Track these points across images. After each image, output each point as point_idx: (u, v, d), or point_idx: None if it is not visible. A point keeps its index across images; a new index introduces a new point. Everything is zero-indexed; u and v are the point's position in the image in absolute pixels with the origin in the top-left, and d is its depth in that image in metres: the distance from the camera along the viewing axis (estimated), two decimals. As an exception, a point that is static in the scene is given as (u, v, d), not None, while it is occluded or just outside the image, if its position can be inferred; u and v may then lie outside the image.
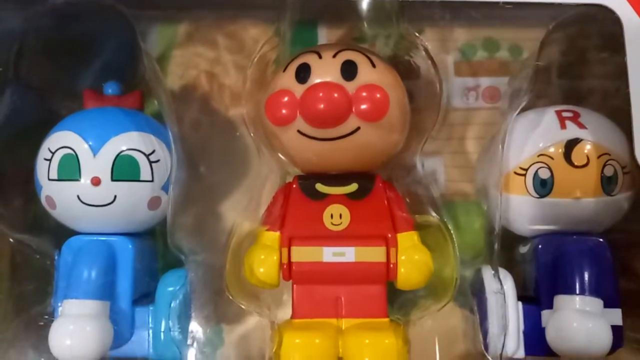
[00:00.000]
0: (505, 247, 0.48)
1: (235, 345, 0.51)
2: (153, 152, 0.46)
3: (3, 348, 0.45)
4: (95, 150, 0.45)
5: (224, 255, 0.48)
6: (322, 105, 0.44)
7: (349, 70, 0.45)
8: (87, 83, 0.51)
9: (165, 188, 0.46)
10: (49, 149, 0.45)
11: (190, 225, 0.50)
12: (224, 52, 0.54)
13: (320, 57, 0.46)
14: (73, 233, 0.47)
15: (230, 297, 0.47)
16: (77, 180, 0.44)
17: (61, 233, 0.47)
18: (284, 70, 0.46)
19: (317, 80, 0.45)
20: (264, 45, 0.50)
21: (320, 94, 0.44)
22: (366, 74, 0.45)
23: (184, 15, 0.54)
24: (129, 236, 0.47)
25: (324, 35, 0.54)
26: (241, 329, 0.51)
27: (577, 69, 0.53)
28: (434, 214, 0.49)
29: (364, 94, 0.44)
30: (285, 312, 0.49)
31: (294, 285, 0.46)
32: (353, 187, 0.46)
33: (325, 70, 0.45)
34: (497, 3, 0.46)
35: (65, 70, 0.52)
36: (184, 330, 0.45)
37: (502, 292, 0.46)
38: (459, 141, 0.53)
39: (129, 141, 0.45)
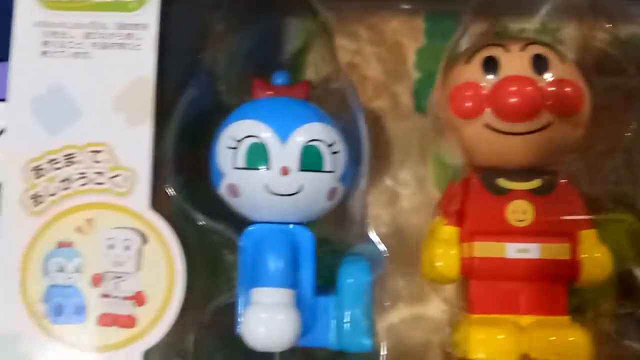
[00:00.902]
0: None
1: (389, 337, 0.49)
2: (334, 143, 0.44)
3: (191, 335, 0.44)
4: (283, 140, 0.43)
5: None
6: (516, 99, 0.42)
7: (539, 64, 0.43)
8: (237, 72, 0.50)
9: (342, 179, 0.45)
10: (233, 137, 0.44)
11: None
12: (365, 44, 0.53)
13: (507, 50, 0.44)
14: (247, 222, 0.45)
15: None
16: (267, 169, 0.43)
17: (237, 222, 0.46)
18: (467, 63, 0.45)
19: (508, 74, 0.43)
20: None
21: (514, 88, 0.43)
22: (557, 68, 0.44)
23: (326, 6, 0.52)
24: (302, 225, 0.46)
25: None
26: (394, 321, 0.50)
27: None
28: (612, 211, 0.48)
29: (557, 88, 0.43)
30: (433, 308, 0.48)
31: (471, 281, 0.45)
32: (536, 182, 0.45)
33: (515, 64, 0.44)
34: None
35: (228, 60, 0.51)
36: (371, 322, 0.44)
37: None
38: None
39: (313, 132, 0.44)
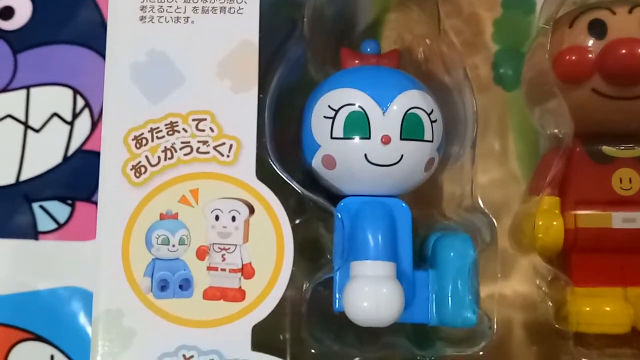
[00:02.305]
0: None
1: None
2: (432, 111, 0.41)
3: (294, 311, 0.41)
4: (384, 108, 0.40)
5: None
6: (627, 62, 0.39)
7: (649, 27, 0.41)
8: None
9: (439, 149, 0.42)
10: (329, 106, 0.41)
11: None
12: (442, 16, 0.50)
13: (613, 13, 0.41)
14: (339, 197, 0.42)
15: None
16: (367, 138, 0.40)
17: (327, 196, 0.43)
18: (570, 27, 0.42)
19: (617, 37, 0.40)
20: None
21: (624, 50, 0.39)
22: (669, 30, 0.41)
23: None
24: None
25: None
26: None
27: None
28: None
29: (671, 50, 0.40)
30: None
31: (575, 253, 0.42)
32: (643, 150, 0.43)
33: (624, 26, 0.40)
34: None
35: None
36: (475, 296, 0.40)
37: None
38: None
39: (413, 99, 0.41)
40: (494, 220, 0.43)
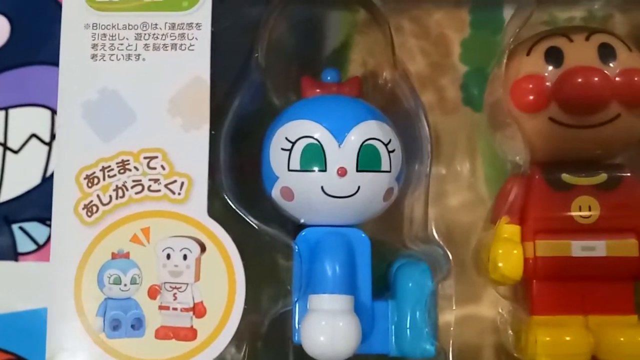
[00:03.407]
0: None
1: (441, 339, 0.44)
2: (390, 141, 0.40)
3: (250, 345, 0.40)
4: (340, 140, 0.39)
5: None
6: (583, 91, 0.38)
7: (606, 54, 0.39)
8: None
9: (398, 178, 0.41)
10: (286, 138, 0.40)
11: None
12: (409, 37, 0.48)
13: (570, 40, 0.40)
14: (299, 227, 0.41)
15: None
16: (324, 171, 0.39)
17: (289, 226, 0.41)
18: (527, 54, 0.40)
19: (574, 65, 0.39)
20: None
21: (581, 79, 0.38)
22: (625, 57, 0.39)
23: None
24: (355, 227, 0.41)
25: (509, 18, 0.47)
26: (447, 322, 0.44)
27: None
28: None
29: (626, 78, 0.38)
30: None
31: (534, 281, 0.40)
32: (602, 177, 0.40)
33: (580, 54, 0.39)
34: None
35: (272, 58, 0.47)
36: (434, 326, 0.40)
37: None
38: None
39: (370, 130, 0.39)
40: (449, 252, 0.42)
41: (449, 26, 0.48)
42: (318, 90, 0.42)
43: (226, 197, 0.39)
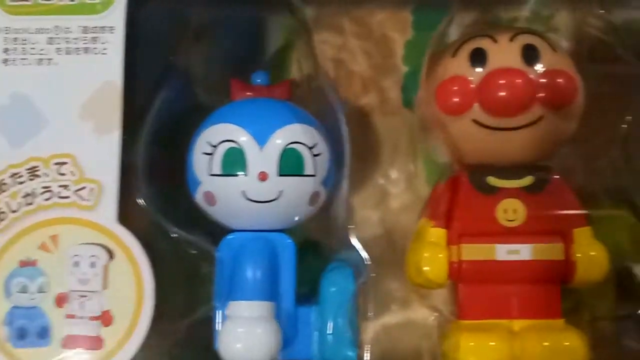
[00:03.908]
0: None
1: (380, 342, 0.43)
2: (315, 145, 0.39)
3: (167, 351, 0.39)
4: (261, 144, 0.38)
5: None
6: (505, 93, 0.37)
7: (530, 55, 0.38)
8: (217, 71, 0.44)
9: (325, 183, 0.40)
10: (209, 142, 0.39)
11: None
12: (351, 37, 0.47)
13: (495, 41, 0.38)
14: (225, 231, 0.40)
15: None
16: (244, 175, 0.38)
17: (215, 231, 0.40)
18: (453, 56, 0.39)
19: (497, 66, 0.38)
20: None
21: (503, 81, 0.37)
22: (549, 58, 0.38)
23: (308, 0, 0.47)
24: (283, 232, 0.40)
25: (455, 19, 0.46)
26: (385, 325, 0.43)
27: None
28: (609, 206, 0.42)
29: (549, 80, 0.37)
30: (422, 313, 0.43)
31: (460, 285, 0.39)
32: (528, 180, 0.39)
33: (504, 55, 0.38)
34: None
35: (201, 59, 0.45)
36: (354, 332, 0.38)
37: None
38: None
39: (293, 134, 0.38)
40: (366, 257, 0.40)
41: (391, 27, 0.47)
42: (247, 93, 0.41)
43: (143, 203, 0.38)
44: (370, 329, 0.43)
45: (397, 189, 0.45)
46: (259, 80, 0.42)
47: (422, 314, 0.44)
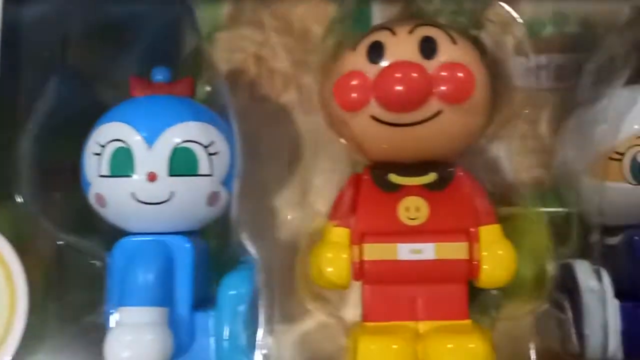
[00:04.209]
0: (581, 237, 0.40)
1: (296, 348, 0.42)
2: (212, 143, 0.37)
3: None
4: (150, 143, 0.36)
5: (279, 254, 0.41)
6: (400, 87, 0.35)
7: (427, 48, 0.36)
8: (131, 70, 0.41)
9: (225, 182, 0.38)
10: (98, 142, 0.37)
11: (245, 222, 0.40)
12: (272, 33, 0.45)
13: (394, 33, 0.37)
14: (123, 234, 0.38)
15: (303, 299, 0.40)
16: (131, 176, 0.36)
17: (111, 234, 0.38)
18: (353, 50, 0.38)
19: (393, 60, 0.36)
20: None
21: (398, 75, 0.35)
22: (447, 51, 0.36)
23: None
24: (185, 235, 0.38)
25: (378, 12, 0.44)
26: (303, 330, 0.42)
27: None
28: (514, 204, 0.41)
29: (447, 73, 0.35)
30: (349, 313, 0.41)
31: (365, 286, 0.38)
32: (431, 177, 0.38)
33: (401, 49, 0.37)
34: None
35: (109, 57, 0.43)
36: (251, 337, 0.37)
37: (600, 289, 0.37)
38: (530, 125, 0.44)
39: (186, 132, 0.37)
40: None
41: (313, 21, 0.45)
42: (147, 91, 0.39)
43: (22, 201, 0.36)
44: (290, 335, 0.42)
45: (318, 189, 0.44)
46: (159, 77, 0.40)
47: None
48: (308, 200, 0.44)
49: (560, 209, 0.42)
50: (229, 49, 0.45)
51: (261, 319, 0.38)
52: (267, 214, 0.44)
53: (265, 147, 0.44)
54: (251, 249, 0.37)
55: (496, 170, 0.43)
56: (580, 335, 0.38)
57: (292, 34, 0.45)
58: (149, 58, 0.43)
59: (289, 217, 0.43)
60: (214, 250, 0.40)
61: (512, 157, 0.44)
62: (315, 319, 0.43)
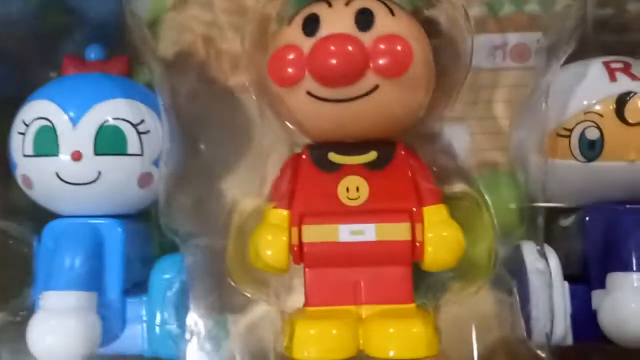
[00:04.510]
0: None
1: (240, 338, 0.40)
2: (142, 122, 0.36)
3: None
4: (74, 121, 0.35)
5: (225, 238, 0.38)
6: (333, 61, 0.33)
7: (364, 20, 0.34)
8: (69, 50, 0.40)
9: (158, 163, 0.36)
10: (23, 121, 0.36)
11: (188, 205, 0.39)
12: (221, 14, 0.43)
13: (330, 5, 0.35)
14: (54, 216, 0.37)
15: (233, 284, 0.37)
16: (56, 155, 0.34)
17: (41, 216, 0.37)
18: (289, 24, 0.36)
19: (328, 32, 0.34)
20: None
21: (332, 48, 0.33)
22: (384, 23, 0.34)
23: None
24: (118, 218, 0.37)
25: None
26: (247, 319, 0.40)
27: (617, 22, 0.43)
28: (462, 185, 0.39)
29: (383, 46, 0.33)
30: (296, 300, 0.38)
31: (306, 269, 0.36)
32: (371, 155, 0.36)
33: (336, 21, 0.35)
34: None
35: (46, 37, 0.42)
36: (182, 323, 0.35)
37: (547, 270, 0.36)
38: (486, 105, 0.41)
39: (114, 109, 0.35)
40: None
41: (265, 2, 0.44)
42: (80, 69, 0.38)
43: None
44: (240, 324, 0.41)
45: (273, 173, 0.44)
46: (92, 55, 0.38)
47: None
48: (258, 183, 0.43)
49: (514, 191, 0.42)
50: (178, 29, 0.44)
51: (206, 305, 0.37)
52: (216, 197, 0.42)
53: (215, 128, 0.43)
54: (185, 233, 0.36)
55: (452, 152, 0.43)
56: (527, 319, 0.37)
57: (243, 14, 0.42)
58: (92, 42, 0.42)
59: (238, 200, 0.43)
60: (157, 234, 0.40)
61: (469, 138, 0.44)
62: (262, 306, 0.42)
